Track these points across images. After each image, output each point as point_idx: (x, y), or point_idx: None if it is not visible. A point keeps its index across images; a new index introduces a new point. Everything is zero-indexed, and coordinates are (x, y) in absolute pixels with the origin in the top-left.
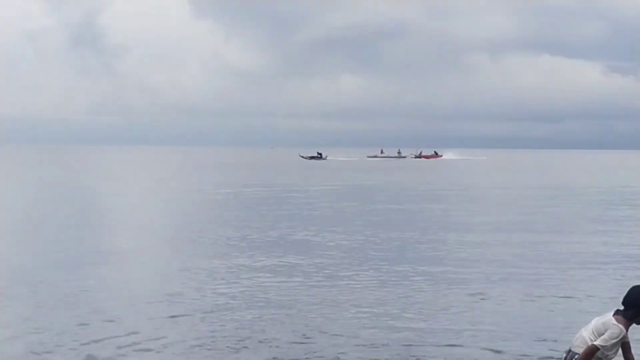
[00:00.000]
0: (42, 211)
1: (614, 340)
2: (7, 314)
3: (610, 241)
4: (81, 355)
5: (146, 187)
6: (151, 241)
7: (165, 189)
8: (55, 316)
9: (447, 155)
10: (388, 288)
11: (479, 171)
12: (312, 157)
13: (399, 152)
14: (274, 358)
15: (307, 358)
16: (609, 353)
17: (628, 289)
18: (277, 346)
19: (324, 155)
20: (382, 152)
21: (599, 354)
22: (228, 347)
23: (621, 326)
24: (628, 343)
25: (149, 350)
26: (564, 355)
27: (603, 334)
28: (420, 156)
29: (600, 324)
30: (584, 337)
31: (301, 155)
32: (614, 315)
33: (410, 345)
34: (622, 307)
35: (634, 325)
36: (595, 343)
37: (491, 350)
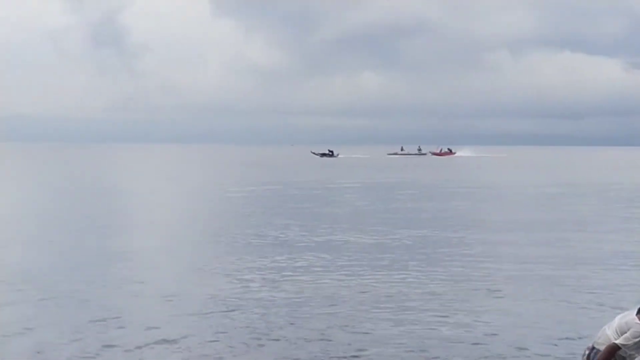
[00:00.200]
0: (60, 210)
1: (636, 339)
2: (23, 312)
3: (634, 239)
4: (97, 353)
5: (165, 185)
6: (169, 240)
7: (184, 187)
8: (70, 315)
9: (462, 152)
10: (408, 285)
11: (500, 169)
12: (323, 155)
13: (419, 149)
14: (280, 356)
15: (326, 356)
16: (632, 352)
17: None
18: (294, 343)
19: (335, 153)
20: (402, 150)
21: (621, 352)
22: (244, 343)
23: None
24: None
25: (165, 347)
26: (587, 352)
27: (625, 332)
28: (434, 153)
29: (623, 322)
30: (608, 334)
31: (313, 152)
32: (637, 314)
33: (430, 342)
34: None
35: None
36: (616, 342)
37: (513, 347)
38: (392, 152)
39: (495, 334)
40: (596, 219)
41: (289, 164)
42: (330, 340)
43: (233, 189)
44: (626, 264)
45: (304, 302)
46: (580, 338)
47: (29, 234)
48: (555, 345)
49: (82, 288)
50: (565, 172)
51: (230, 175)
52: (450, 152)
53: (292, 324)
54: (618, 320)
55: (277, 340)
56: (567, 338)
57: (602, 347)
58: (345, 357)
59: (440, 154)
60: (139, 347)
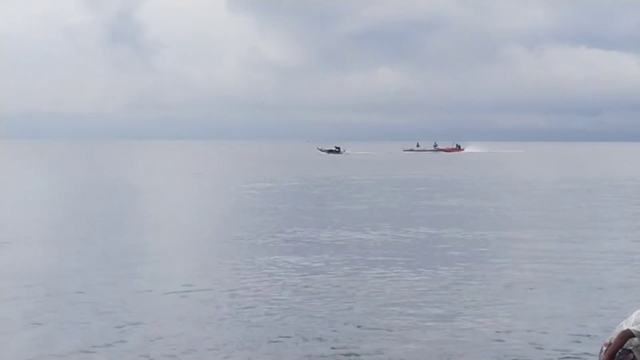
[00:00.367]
0: (79, 207)
1: None
2: (31, 307)
3: None
4: (102, 350)
5: (183, 181)
6: (183, 237)
7: (201, 184)
8: (78, 312)
9: (469, 148)
10: (427, 283)
11: (518, 164)
12: (330, 151)
13: (435, 146)
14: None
15: (340, 353)
16: None
17: None
18: (308, 340)
19: (342, 149)
20: (418, 146)
21: (634, 342)
22: (259, 342)
23: None
24: None
25: (173, 345)
26: (604, 347)
27: None
28: (440, 149)
29: None
30: (624, 328)
31: (319, 148)
32: None
33: (446, 338)
34: None
35: None
36: (630, 328)
37: (532, 344)
38: (407, 149)
39: (511, 331)
40: (614, 216)
41: (302, 160)
42: (345, 338)
43: (246, 186)
44: None
45: (319, 299)
46: (596, 336)
47: (46, 230)
48: (573, 342)
49: (95, 284)
50: (584, 168)
51: (248, 172)
52: (458, 148)
53: (308, 321)
54: (635, 316)
55: (289, 337)
56: (585, 335)
57: None
58: (359, 355)
59: (447, 150)
60: (148, 343)
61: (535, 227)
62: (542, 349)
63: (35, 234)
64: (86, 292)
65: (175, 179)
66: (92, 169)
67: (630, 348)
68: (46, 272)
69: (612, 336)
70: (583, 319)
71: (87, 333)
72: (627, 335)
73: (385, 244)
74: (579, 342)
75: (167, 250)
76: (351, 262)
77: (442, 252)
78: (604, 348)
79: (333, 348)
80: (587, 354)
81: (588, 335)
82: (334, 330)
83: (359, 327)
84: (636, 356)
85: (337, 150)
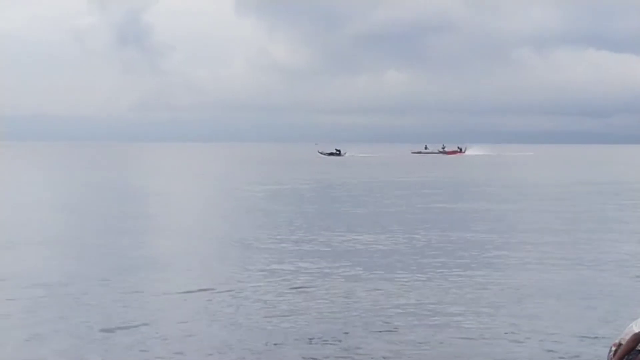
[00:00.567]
0: (89, 208)
1: None
2: (42, 312)
3: None
4: (105, 349)
5: (191, 184)
6: (188, 239)
7: (209, 186)
8: (85, 315)
9: (471, 150)
10: (434, 286)
11: (528, 167)
12: (330, 154)
13: (443, 148)
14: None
15: (346, 355)
16: None
17: None
18: (311, 343)
19: (342, 152)
20: (426, 148)
21: None
22: (260, 343)
23: None
24: None
25: (179, 346)
26: (613, 348)
27: None
28: (442, 151)
29: None
30: (635, 331)
31: (319, 151)
32: None
33: (455, 342)
34: None
35: None
36: None
37: (542, 349)
38: (416, 151)
39: (520, 335)
40: (625, 218)
41: (308, 162)
42: (349, 340)
43: (253, 188)
44: None
45: (322, 300)
46: (605, 337)
47: (48, 232)
48: (583, 345)
49: (95, 284)
50: (594, 170)
51: (255, 174)
52: (460, 150)
53: (311, 323)
54: None
55: (291, 339)
56: (595, 337)
57: None
58: (363, 357)
59: (448, 153)
60: (149, 344)
61: (545, 230)
62: (552, 351)
63: (36, 234)
64: (87, 293)
65: (181, 181)
66: (97, 171)
67: None
68: (47, 273)
69: (622, 337)
70: (592, 321)
71: (87, 333)
72: (639, 338)
73: (389, 246)
74: (589, 344)
75: (169, 251)
76: (355, 264)
77: (449, 254)
78: (613, 348)
79: (336, 350)
80: (596, 356)
81: (597, 337)
82: (338, 333)
83: (363, 329)
84: None
85: (337, 153)
